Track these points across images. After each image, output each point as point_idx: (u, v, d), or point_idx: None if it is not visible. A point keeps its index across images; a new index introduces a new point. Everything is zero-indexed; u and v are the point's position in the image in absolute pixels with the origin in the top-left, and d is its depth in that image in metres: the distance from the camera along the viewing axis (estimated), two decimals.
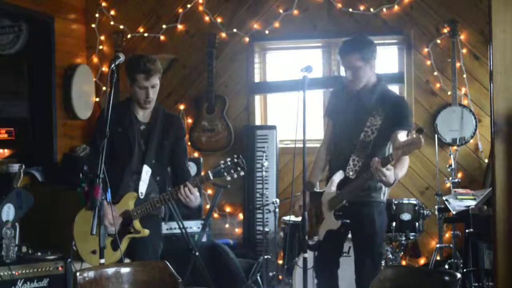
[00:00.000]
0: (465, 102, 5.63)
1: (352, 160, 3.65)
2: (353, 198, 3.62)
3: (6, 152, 6.13)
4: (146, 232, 3.66)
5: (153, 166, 3.76)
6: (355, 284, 3.76)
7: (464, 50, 5.66)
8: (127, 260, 3.62)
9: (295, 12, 5.99)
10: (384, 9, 5.81)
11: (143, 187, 3.72)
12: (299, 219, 3.80)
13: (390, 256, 4.88)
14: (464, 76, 5.64)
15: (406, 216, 4.83)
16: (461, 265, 4.87)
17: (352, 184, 3.62)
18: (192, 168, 5.41)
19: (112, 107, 3.93)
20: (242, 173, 3.53)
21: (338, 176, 3.67)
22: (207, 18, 6.17)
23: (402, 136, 3.62)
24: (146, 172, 3.73)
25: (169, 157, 3.83)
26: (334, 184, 3.68)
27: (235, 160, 3.54)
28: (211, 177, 3.55)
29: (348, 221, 3.63)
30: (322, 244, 3.71)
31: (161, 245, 3.85)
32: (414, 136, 3.27)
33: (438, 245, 5.31)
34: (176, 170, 3.87)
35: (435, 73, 5.72)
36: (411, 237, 4.90)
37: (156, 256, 3.75)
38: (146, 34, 6.28)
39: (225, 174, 3.53)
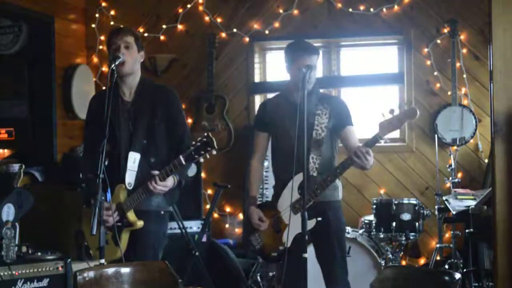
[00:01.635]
0: (465, 102, 5.63)
1: (311, 158, 3.69)
2: (317, 197, 3.63)
3: (6, 152, 6.13)
4: (140, 223, 3.56)
5: (144, 146, 3.62)
6: (326, 284, 3.76)
7: (464, 50, 5.66)
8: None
9: (295, 12, 5.99)
10: (384, 9, 5.81)
11: (130, 176, 3.58)
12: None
13: (390, 256, 4.87)
14: (464, 76, 5.64)
15: (406, 216, 4.82)
16: (461, 265, 4.87)
17: (317, 182, 3.63)
18: (192, 169, 5.39)
19: (97, 96, 3.88)
20: (214, 152, 3.37)
21: (297, 179, 3.60)
22: (207, 18, 6.16)
23: (352, 131, 3.77)
24: (134, 159, 3.59)
25: (165, 136, 3.68)
26: (294, 188, 3.61)
27: (204, 139, 3.37)
28: (183, 162, 3.42)
29: (320, 218, 3.61)
30: (290, 251, 3.61)
31: (162, 242, 3.72)
32: (405, 109, 3.35)
33: (438, 245, 5.31)
34: (174, 150, 3.68)
35: (435, 73, 5.72)
36: (411, 237, 4.89)
37: (155, 250, 3.66)
38: (146, 34, 6.27)
39: (196, 156, 3.38)
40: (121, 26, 3.64)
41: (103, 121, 3.31)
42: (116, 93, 3.61)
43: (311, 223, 3.57)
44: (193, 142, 3.40)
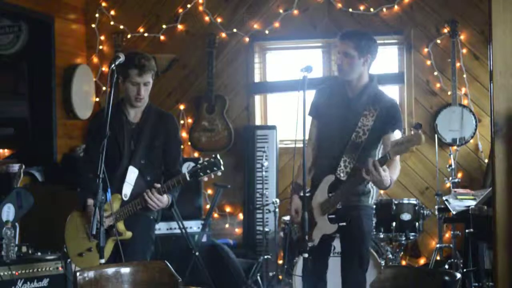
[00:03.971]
0: (465, 102, 5.63)
1: (343, 161, 3.57)
2: (345, 201, 3.55)
3: (6, 152, 6.13)
4: (129, 234, 3.60)
5: (142, 166, 3.71)
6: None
7: (464, 50, 5.66)
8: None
9: (295, 12, 5.99)
10: (384, 9, 5.81)
11: (127, 189, 3.66)
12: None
13: (390, 256, 4.87)
14: (464, 76, 5.64)
15: (406, 216, 4.82)
16: (461, 265, 4.87)
17: (344, 187, 3.54)
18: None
19: (99, 117, 3.91)
20: (219, 173, 3.45)
21: (329, 179, 3.58)
22: (207, 18, 6.16)
23: (394, 137, 3.58)
24: (132, 173, 3.68)
25: (161, 158, 3.78)
26: (325, 187, 3.59)
27: (212, 160, 3.44)
28: (188, 178, 3.49)
29: (344, 223, 3.54)
30: (315, 248, 3.57)
31: (150, 247, 3.74)
32: (412, 132, 3.25)
33: (438, 245, 5.31)
34: (165, 172, 3.81)
35: (435, 73, 5.72)
36: (411, 237, 4.90)
37: (144, 254, 3.65)
38: (146, 34, 6.28)
39: (201, 174, 3.45)
40: (144, 61, 3.63)
41: (108, 135, 3.31)
42: (120, 110, 3.74)
43: (332, 228, 3.54)
44: (201, 161, 3.50)
